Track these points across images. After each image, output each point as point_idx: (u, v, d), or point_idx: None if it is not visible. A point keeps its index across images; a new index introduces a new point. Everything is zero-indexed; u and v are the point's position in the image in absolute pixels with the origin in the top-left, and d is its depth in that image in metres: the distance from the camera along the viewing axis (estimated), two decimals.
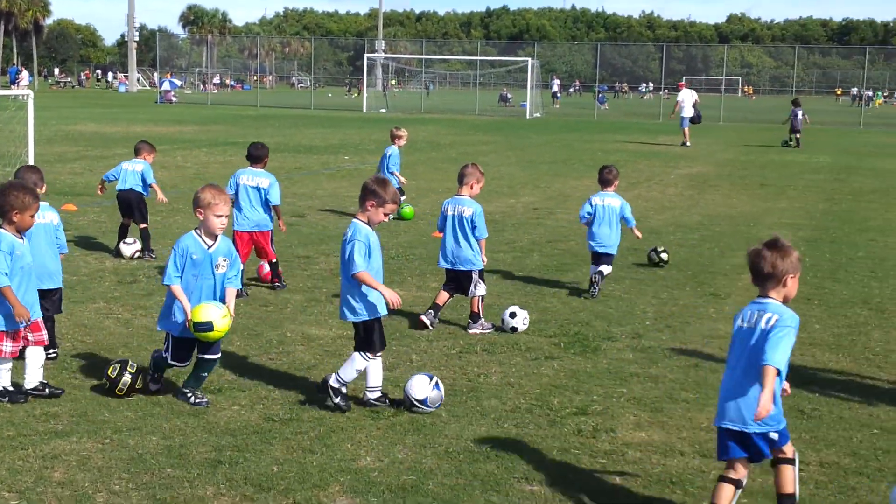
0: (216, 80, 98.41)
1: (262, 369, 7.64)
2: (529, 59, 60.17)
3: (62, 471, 5.60)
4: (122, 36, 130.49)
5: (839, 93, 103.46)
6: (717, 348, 8.53)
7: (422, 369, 7.70)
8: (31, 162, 17.94)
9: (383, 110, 58.50)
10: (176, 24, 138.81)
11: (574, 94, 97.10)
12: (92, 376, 7.30)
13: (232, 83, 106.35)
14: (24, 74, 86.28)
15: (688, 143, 33.48)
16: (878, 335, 9.12)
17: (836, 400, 7.21)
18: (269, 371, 7.60)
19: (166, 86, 71.18)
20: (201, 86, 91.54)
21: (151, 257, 12.10)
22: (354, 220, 6.83)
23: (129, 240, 12.29)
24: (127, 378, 6.83)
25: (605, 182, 11.14)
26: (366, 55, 65.88)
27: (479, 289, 9.02)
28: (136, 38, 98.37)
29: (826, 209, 17.97)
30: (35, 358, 6.85)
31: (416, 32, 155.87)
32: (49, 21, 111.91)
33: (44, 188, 7.95)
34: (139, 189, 12.47)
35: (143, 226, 12.37)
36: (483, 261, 9.13)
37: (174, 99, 66.12)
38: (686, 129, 34.14)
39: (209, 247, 6.75)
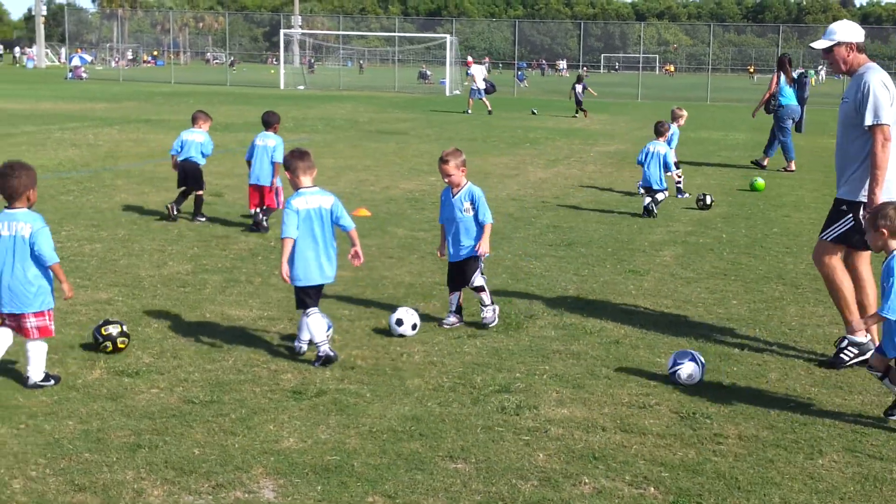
0: (129, 55, 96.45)
1: (181, 351, 7.51)
2: (448, 35, 60.08)
3: None
4: (30, 10, 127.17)
5: (752, 70, 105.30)
6: (638, 324, 8.63)
7: (344, 349, 7.66)
8: None
9: (301, 87, 57.96)
10: None
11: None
12: (2, 361, 7.10)
13: (150, 59, 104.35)
14: None
15: (490, 110, 38.13)
16: (794, 310, 9.31)
17: (753, 374, 7.34)
18: (187, 353, 7.47)
19: (76, 61, 69.54)
20: (113, 62, 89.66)
21: (200, 220, 13.09)
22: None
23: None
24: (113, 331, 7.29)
25: (657, 133, 15.23)
26: (282, 31, 65.13)
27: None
28: (44, 13, 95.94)
29: (741, 185, 18.29)
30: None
31: (333, 8, 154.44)
32: None
33: None
34: (197, 159, 13.22)
35: (198, 193, 13.24)
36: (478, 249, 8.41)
37: (84, 75, 64.72)
38: (485, 98, 39.07)
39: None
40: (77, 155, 20.53)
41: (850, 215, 7.49)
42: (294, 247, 7.27)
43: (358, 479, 5.33)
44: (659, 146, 14.92)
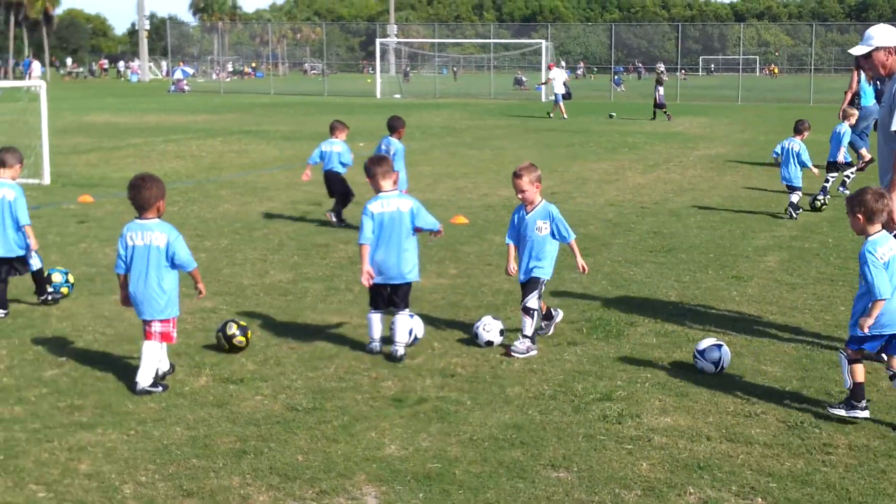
0: (229, 67, 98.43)
1: (284, 359, 7.61)
2: (543, 41, 59.94)
3: (88, 462, 5.60)
4: (133, 25, 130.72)
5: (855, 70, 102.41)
6: (742, 331, 8.47)
7: (443, 357, 7.68)
8: (45, 154, 18.00)
9: (397, 96, 58.39)
10: (186, 11, 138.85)
11: (580, 77, 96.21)
12: (114, 367, 7.30)
13: (250, 70, 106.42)
14: (36, 65, 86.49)
15: (565, 117, 37.68)
16: None
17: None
18: (290, 361, 7.58)
19: (178, 74, 71.25)
20: (214, 74, 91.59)
21: (337, 224, 13.52)
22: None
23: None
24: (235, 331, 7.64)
25: (796, 131, 15.07)
26: (378, 40, 65.70)
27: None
28: (147, 27, 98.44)
29: (849, 187, 17.81)
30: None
31: (428, 16, 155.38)
32: (59, 11, 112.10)
33: (17, 168, 9.19)
34: (337, 169, 13.75)
35: (344, 196, 13.73)
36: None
37: (186, 88, 66.18)
38: (561, 105, 38.68)
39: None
40: (181, 166, 21.02)
41: None
42: (374, 248, 7.61)
43: (460, 487, 5.33)
44: (794, 143, 14.79)
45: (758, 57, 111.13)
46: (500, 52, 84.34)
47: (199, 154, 23.70)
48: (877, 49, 7.50)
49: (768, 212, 14.93)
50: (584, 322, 8.75)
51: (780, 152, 14.91)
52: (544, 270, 7.98)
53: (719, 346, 7.34)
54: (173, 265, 6.87)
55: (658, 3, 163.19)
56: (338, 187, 13.77)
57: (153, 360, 6.85)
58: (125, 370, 7.22)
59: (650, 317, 8.96)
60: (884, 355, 6.41)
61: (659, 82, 38.30)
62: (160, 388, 6.81)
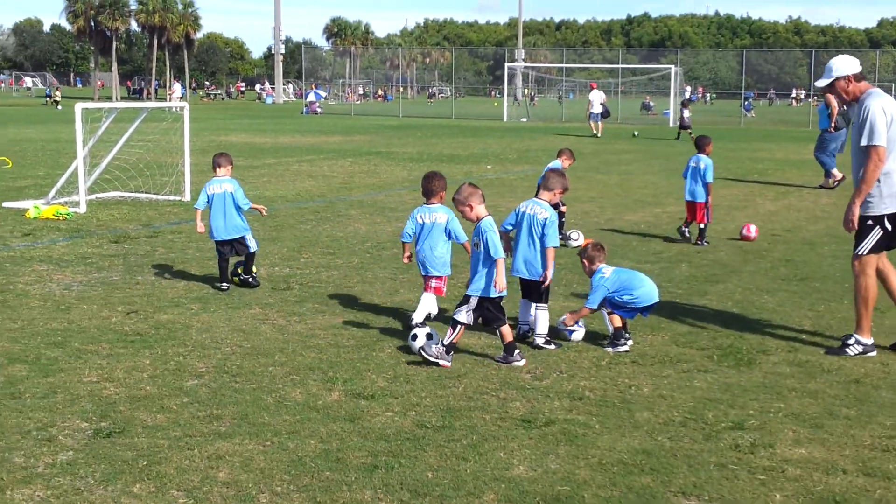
0: (359, 90, 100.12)
1: (413, 377, 7.72)
2: (672, 66, 59.36)
3: (227, 471, 5.79)
4: (269, 49, 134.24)
5: None
6: (879, 363, 8.24)
7: (571, 379, 7.68)
8: (187, 172, 18.67)
9: (524, 119, 58.54)
10: (320, 36, 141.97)
11: (700, 101, 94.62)
12: (250, 379, 7.53)
13: (382, 93, 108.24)
14: (177, 87, 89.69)
15: (598, 135, 41.63)
16: None
17: None
18: (419, 378, 7.68)
19: (311, 97, 72.86)
20: (345, 97, 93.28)
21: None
22: None
23: (573, 234, 14.26)
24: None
25: None
26: (506, 64, 66.06)
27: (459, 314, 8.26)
28: (283, 51, 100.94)
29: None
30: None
31: (555, 41, 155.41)
32: (199, 35, 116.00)
33: (229, 168, 11.20)
34: None
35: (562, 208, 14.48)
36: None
37: (319, 110, 67.65)
38: (599, 123, 42.69)
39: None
40: (314, 186, 21.51)
41: (878, 227, 8.41)
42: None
43: None
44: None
45: (893, 84, 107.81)
46: (627, 77, 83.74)
47: (330, 174, 24.21)
48: (837, 79, 8.45)
49: None
50: (714, 349, 8.64)
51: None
52: (474, 286, 8.24)
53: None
54: (449, 237, 9.22)
55: (790, 28, 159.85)
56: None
57: (428, 306, 9.25)
58: (261, 382, 7.44)
59: (783, 345, 8.79)
60: None
61: (684, 105, 41.44)
62: (426, 330, 8.31)
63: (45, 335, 8.80)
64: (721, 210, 18.12)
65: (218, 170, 11.19)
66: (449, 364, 7.99)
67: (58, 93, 76.77)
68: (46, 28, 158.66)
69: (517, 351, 8.18)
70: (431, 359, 7.95)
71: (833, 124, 22.42)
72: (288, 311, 9.84)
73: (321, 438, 6.34)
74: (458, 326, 8.09)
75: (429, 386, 7.49)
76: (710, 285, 11.48)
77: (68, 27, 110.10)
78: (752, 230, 14.74)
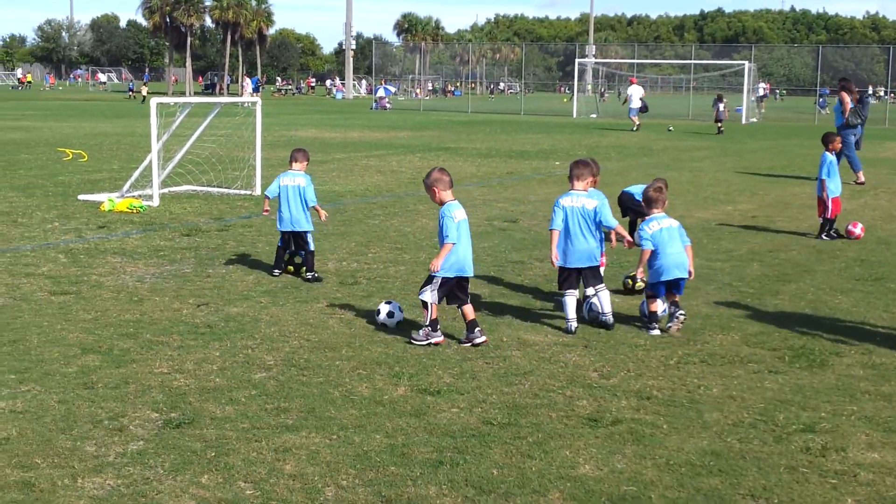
0: (429, 86, 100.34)
1: (479, 373, 7.71)
2: (746, 62, 58.52)
3: (293, 464, 5.83)
4: (340, 44, 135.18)
5: None
6: None
7: (639, 378, 7.61)
8: (258, 166, 18.86)
9: (594, 115, 58.16)
10: (391, 32, 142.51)
11: (771, 98, 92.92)
12: (317, 373, 7.58)
13: (452, 89, 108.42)
14: (248, 82, 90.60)
15: (634, 129, 42.47)
16: None
17: None
18: (485, 375, 7.67)
19: (381, 92, 73.18)
20: (414, 93, 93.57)
21: None
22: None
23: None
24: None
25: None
26: (577, 60, 65.70)
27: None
28: (353, 47, 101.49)
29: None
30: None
31: (627, 36, 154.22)
32: (272, 31, 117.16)
33: (304, 164, 11.55)
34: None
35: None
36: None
37: (388, 105, 67.88)
38: (635, 118, 43.48)
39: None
40: (382, 181, 21.59)
41: None
42: (561, 237, 9.08)
43: None
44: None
45: None
46: (699, 73, 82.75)
47: (398, 169, 24.29)
48: None
49: None
50: (786, 350, 8.49)
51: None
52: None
53: None
54: (599, 225, 9.08)
55: (867, 24, 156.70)
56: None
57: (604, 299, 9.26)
58: (328, 376, 7.49)
59: (857, 347, 8.61)
60: None
61: (720, 99, 43.36)
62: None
63: (118, 326, 8.95)
64: (793, 208, 17.86)
65: (294, 164, 11.49)
66: (441, 339, 8.52)
67: (144, 88, 78.10)
68: (123, 24, 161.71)
69: (478, 328, 8.54)
70: (423, 343, 8.42)
71: (846, 121, 22.36)
72: (355, 306, 9.89)
73: (387, 433, 6.36)
74: (429, 304, 8.49)
75: (495, 382, 7.48)
76: (783, 285, 11.29)
77: (144, 23, 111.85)
78: (858, 227, 14.69)
